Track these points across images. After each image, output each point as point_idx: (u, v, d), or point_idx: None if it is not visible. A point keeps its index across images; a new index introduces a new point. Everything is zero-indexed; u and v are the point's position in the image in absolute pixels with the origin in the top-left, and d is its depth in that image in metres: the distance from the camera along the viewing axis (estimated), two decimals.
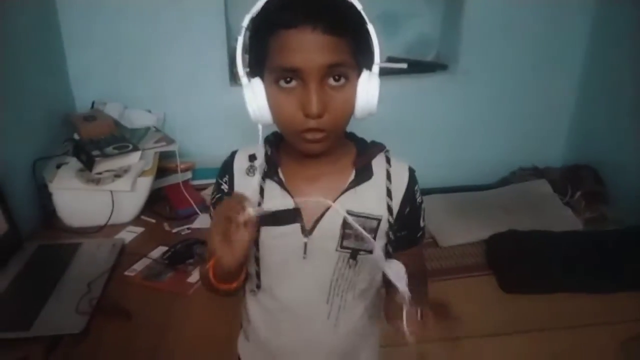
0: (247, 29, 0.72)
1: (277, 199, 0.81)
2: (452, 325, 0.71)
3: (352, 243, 0.81)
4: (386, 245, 0.84)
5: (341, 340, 0.90)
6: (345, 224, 0.80)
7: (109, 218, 1.59)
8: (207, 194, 1.76)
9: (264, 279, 0.86)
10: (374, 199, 0.82)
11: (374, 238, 0.82)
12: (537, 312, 1.67)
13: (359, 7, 0.72)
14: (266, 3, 0.70)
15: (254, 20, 0.72)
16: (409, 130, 2.31)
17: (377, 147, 0.86)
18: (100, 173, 1.59)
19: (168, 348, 1.13)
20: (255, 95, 0.72)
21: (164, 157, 1.82)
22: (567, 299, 1.71)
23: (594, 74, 2.33)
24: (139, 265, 1.40)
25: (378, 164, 0.84)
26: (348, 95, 0.72)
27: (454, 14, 2.28)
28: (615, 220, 2.10)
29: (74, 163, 1.65)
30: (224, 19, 2.04)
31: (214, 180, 0.92)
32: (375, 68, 0.73)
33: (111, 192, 1.57)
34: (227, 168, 0.88)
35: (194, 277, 1.35)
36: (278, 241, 0.82)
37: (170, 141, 1.83)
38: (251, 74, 0.74)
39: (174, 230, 1.60)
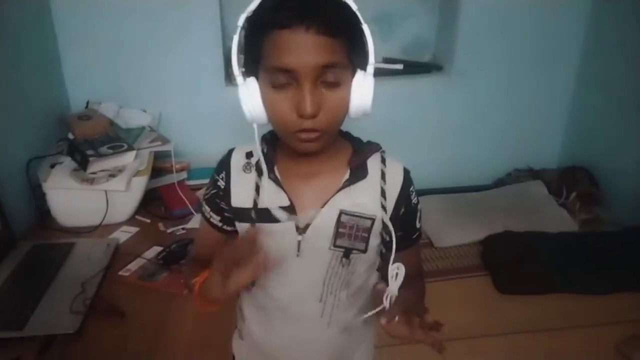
0: (242, 28, 0.72)
1: (272, 197, 0.81)
2: (438, 338, 0.70)
3: (345, 242, 0.82)
4: (380, 245, 0.85)
5: (334, 339, 0.90)
6: (338, 223, 0.81)
7: (104, 218, 1.58)
8: (202, 194, 1.76)
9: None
10: (368, 198, 0.82)
11: (368, 237, 0.82)
12: (532, 313, 1.68)
13: (354, 7, 0.71)
14: (261, 3, 0.70)
15: (249, 20, 0.71)
16: (405, 131, 2.32)
17: (372, 147, 0.86)
18: (94, 173, 1.58)
19: (162, 348, 1.13)
20: (250, 95, 0.72)
21: (159, 157, 1.82)
22: (562, 299, 1.72)
23: (590, 75, 2.34)
24: (133, 265, 1.40)
25: (373, 163, 0.84)
26: (342, 96, 0.72)
27: (450, 15, 2.29)
28: (610, 222, 2.11)
29: (68, 163, 1.64)
30: (219, 19, 2.04)
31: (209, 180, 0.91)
32: (370, 68, 0.73)
33: (105, 191, 1.57)
34: (224, 164, 0.88)
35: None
36: (272, 239, 0.82)
37: (166, 141, 1.82)
38: (246, 73, 0.74)
39: (169, 231, 1.60)
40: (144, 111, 2.01)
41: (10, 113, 1.60)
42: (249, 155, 0.86)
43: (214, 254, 0.74)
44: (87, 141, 1.69)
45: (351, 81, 0.72)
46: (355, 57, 0.72)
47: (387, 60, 2.35)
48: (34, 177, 1.61)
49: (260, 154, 0.79)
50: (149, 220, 1.66)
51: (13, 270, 1.35)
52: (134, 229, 1.60)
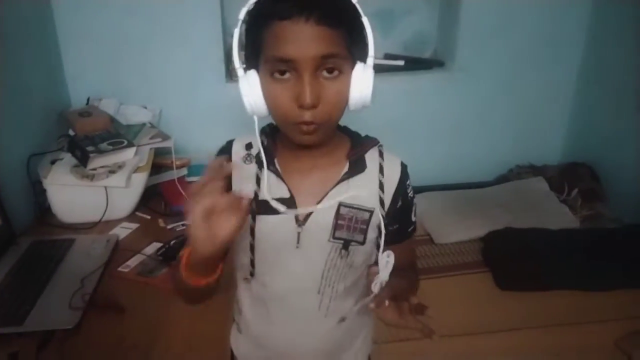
0: (243, 21, 0.72)
1: (273, 188, 0.81)
2: (426, 322, 0.71)
3: (344, 234, 0.83)
4: (377, 237, 0.85)
5: (332, 331, 0.90)
6: (337, 215, 0.82)
7: (104, 214, 1.58)
8: None
9: (258, 267, 0.86)
10: (366, 191, 0.83)
11: (366, 230, 0.83)
12: (532, 310, 1.67)
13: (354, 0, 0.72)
14: None
15: (249, 13, 0.72)
16: (406, 128, 2.31)
17: (370, 141, 0.87)
18: (94, 169, 1.59)
19: (161, 343, 1.13)
20: (250, 87, 0.73)
21: (160, 153, 1.82)
22: (562, 296, 1.71)
23: (592, 71, 2.33)
24: (132, 261, 1.40)
25: (371, 157, 0.85)
26: (342, 87, 0.72)
27: (451, 11, 2.28)
28: (611, 218, 2.10)
29: (68, 159, 1.64)
30: (220, 15, 2.04)
31: None
32: (370, 60, 0.73)
33: (105, 188, 1.57)
34: (224, 155, 0.88)
35: None
36: (272, 230, 0.83)
37: (166, 137, 1.82)
38: (247, 66, 0.74)
39: (169, 227, 1.60)
40: (145, 108, 2.02)
41: (11, 109, 1.61)
42: (249, 146, 0.86)
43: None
44: (87, 137, 1.69)
45: (351, 73, 0.72)
46: (355, 49, 0.72)
47: (388, 56, 2.34)
48: (34, 173, 1.62)
49: (260, 146, 0.79)
50: (149, 217, 1.66)
51: (13, 266, 1.35)
52: (134, 225, 1.60)
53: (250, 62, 0.74)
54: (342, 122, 0.87)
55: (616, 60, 2.19)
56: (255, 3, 0.71)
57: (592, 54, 2.32)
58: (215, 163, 0.66)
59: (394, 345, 1.50)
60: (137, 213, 1.67)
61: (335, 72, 0.71)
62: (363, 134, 0.90)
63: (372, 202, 0.83)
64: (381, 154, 0.86)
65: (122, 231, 1.57)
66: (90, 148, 1.62)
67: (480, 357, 1.58)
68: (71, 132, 1.76)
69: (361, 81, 0.72)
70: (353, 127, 0.90)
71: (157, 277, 1.34)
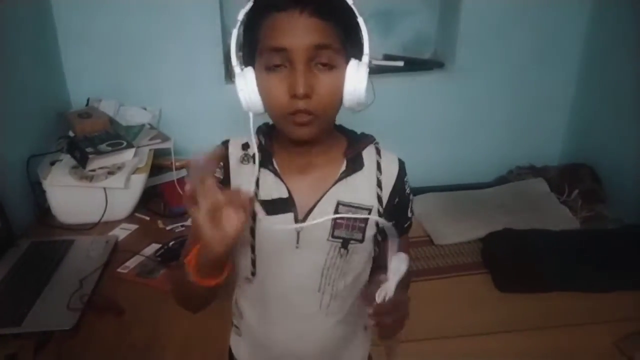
0: (242, 22, 0.74)
1: (271, 188, 0.82)
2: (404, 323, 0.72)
3: (343, 233, 0.82)
4: (376, 235, 0.85)
5: (332, 329, 0.90)
6: (336, 214, 0.81)
7: (103, 215, 1.58)
8: None
9: (259, 267, 0.86)
10: (365, 189, 0.83)
11: (365, 228, 0.83)
12: (532, 311, 1.67)
13: (349, 1, 0.73)
14: None
15: (247, 12, 0.74)
16: (405, 129, 2.31)
17: (367, 139, 0.87)
18: (93, 170, 1.59)
19: (160, 345, 1.13)
20: (247, 83, 0.74)
21: (160, 154, 1.82)
22: (562, 297, 1.71)
23: (592, 72, 2.32)
24: (131, 262, 1.40)
25: (368, 155, 0.85)
26: (335, 80, 0.73)
27: (451, 11, 2.28)
28: (612, 219, 2.09)
29: (67, 160, 1.65)
30: (220, 17, 2.04)
31: None
32: (365, 58, 0.74)
33: (104, 189, 1.57)
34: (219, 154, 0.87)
35: None
36: (272, 230, 0.82)
37: (166, 138, 1.83)
38: (244, 63, 0.76)
39: (168, 228, 1.60)
40: (144, 109, 2.02)
41: (11, 110, 1.61)
42: (245, 146, 0.86)
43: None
44: (86, 138, 1.69)
45: (345, 68, 0.73)
46: (349, 44, 0.74)
47: (387, 57, 2.34)
48: (34, 174, 1.62)
49: (255, 145, 0.79)
50: (148, 218, 1.66)
51: (12, 267, 1.36)
52: (133, 226, 1.60)
53: (248, 58, 0.76)
54: (342, 123, 0.87)
55: (617, 61, 2.18)
56: (253, 2, 0.73)
57: (592, 55, 2.31)
58: (195, 162, 0.65)
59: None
60: (136, 214, 1.67)
61: (329, 64, 0.72)
62: (354, 130, 0.90)
63: (370, 200, 0.83)
64: (378, 152, 0.87)
65: (121, 232, 1.57)
66: (89, 149, 1.62)
67: (479, 358, 1.57)
68: (71, 133, 1.77)
69: (355, 77, 0.73)
70: (353, 128, 0.89)
71: (156, 278, 1.34)
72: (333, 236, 0.82)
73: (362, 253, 0.86)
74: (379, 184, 0.84)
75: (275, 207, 0.81)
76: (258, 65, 0.74)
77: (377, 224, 0.84)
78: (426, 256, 1.92)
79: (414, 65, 2.33)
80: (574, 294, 1.71)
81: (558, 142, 2.52)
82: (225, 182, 0.85)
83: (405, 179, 0.88)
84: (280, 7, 0.70)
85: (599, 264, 1.77)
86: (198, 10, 2.02)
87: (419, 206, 2.04)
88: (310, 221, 0.81)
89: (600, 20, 2.25)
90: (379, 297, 0.70)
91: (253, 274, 0.87)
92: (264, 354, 0.95)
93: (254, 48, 0.74)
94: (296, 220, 0.82)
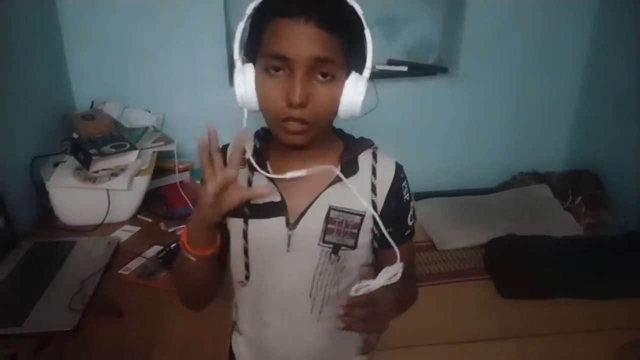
0: (249, 16, 0.74)
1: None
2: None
3: (334, 238, 0.82)
4: (372, 241, 0.84)
5: (325, 336, 0.89)
6: (327, 219, 0.81)
7: (105, 217, 1.59)
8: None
9: (252, 270, 0.86)
10: (358, 194, 0.81)
11: (357, 234, 0.82)
12: (534, 317, 1.66)
13: (359, 11, 0.73)
14: None
15: (255, 8, 0.74)
16: (409, 134, 2.31)
17: (364, 143, 0.87)
18: (97, 172, 1.59)
19: (160, 346, 1.13)
20: (245, 79, 0.74)
21: (163, 157, 1.82)
22: (565, 304, 1.70)
23: (595, 78, 2.32)
24: (133, 264, 1.40)
25: (364, 160, 0.85)
26: (333, 92, 0.73)
27: (455, 17, 2.28)
28: (616, 226, 2.08)
29: (71, 161, 1.65)
30: (224, 20, 2.05)
31: None
32: (366, 72, 0.74)
33: (107, 190, 1.57)
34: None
35: None
36: (263, 233, 0.83)
37: (169, 141, 1.83)
38: (246, 60, 0.76)
39: (170, 230, 1.60)
40: (148, 111, 2.03)
41: (15, 112, 1.62)
42: (242, 151, 0.86)
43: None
44: (90, 140, 1.70)
45: (344, 81, 0.73)
46: (352, 58, 0.73)
47: (391, 62, 2.35)
48: (37, 175, 1.63)
49: (248, 149, 0.80)
50: (150, 220, 1.66)
51: (14, 267, 1.36)
52: (135, 228, 1.60)
53: (249, 55, 0.76)
54: (342, 126, 0.87)
55: (620, 67, 2.18)
56: (261, 1, 0.73)
57: (595, 61, 2.31)
58: (204, 141, 0.73)
59: (393, 352, 1.49)
60: (138, 216, 1.67)
61: (329, 77, 0.72)
62: (352, 135, 0.89)
63: (363, 205, 0.81)
64: (375, 156, 0.85)
65: (124, 234, 1.57)
66: (93, 151, 1.62)
67: None
68: (75, 135, 1.77)
69: (353, 91, 0.73)
70: (355, 132, 0.89)
71: (158, 280, 1.34)
72: (324, 241, 0.82)
73: (355, 260, 0.85)
74: (374, 189, 0.83)
75: (267, 210, 0.82)
76: (259, 66, 0.74)
77: (372, 231, 0.83)
78: (428, 261, 1.91)
79: (417, 70, 2.34)
80: (577, 301, 1.70)
81: (562, 148, 2.52)
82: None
83: (403, 184, 0.86)
84: (286, 12, 0.69)
85: (602, 270, 1.76)
86: (203, 14, 2.02)
87: (422, 211, 2.03)
88: (302, 225, 0.82)
89: (603, 28, 2.25)
90: (354, 291, 0.69)
91: (247, 277, 0.88)
92: (261, 356, 0.95)
93: (256, 47, 0.74)
94: (287, 224, 0.82)
